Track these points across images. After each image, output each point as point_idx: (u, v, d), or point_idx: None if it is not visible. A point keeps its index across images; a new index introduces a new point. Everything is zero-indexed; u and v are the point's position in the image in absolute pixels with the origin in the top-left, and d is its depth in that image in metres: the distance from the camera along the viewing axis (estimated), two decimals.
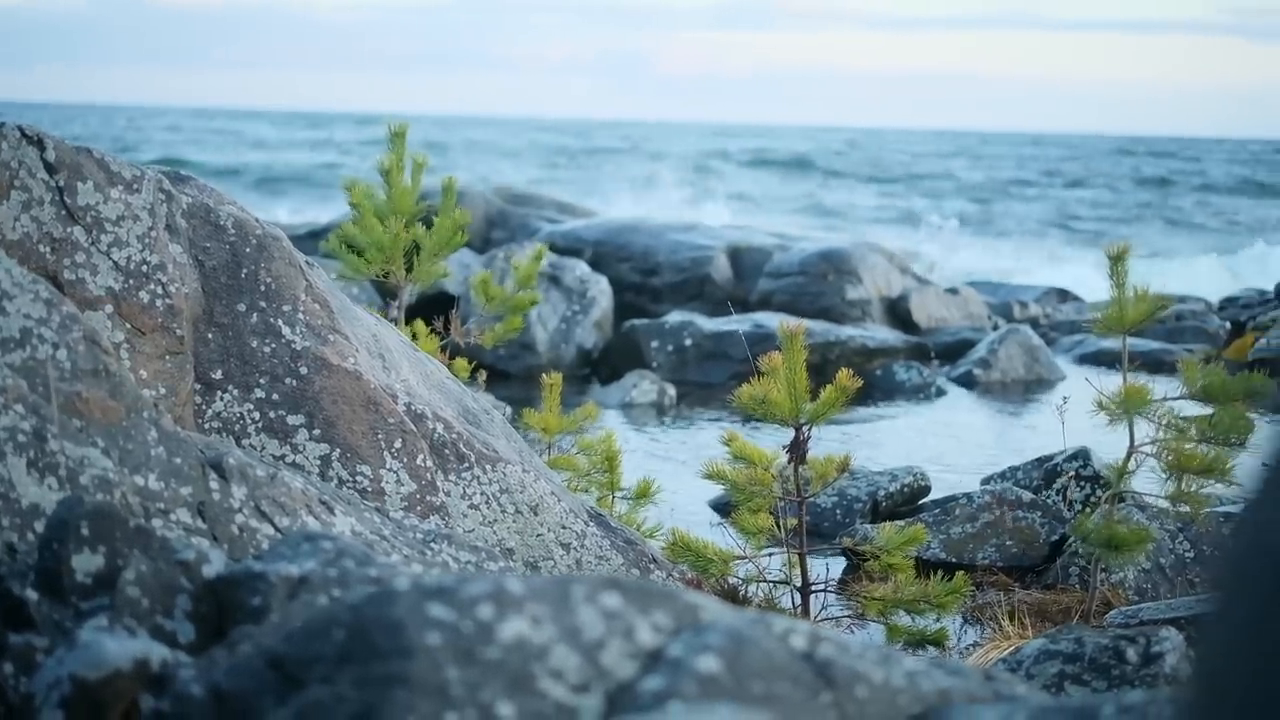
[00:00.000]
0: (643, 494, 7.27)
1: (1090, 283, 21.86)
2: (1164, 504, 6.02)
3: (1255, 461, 7.18)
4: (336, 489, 4.33)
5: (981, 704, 2.60)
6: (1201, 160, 76.29)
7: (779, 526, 6.36)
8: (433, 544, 4.18)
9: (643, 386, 13.90)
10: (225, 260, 4.82)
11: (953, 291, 18.69)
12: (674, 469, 10.48)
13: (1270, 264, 27.89)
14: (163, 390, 4.54)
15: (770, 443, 6.87)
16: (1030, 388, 15.10)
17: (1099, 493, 7.66)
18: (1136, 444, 6.01)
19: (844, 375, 5.87)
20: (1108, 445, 6.69)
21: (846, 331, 15.74)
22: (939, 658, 4.11)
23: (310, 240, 16.93)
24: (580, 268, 16.40)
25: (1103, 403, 5.78)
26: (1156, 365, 13.19)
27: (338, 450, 4.85)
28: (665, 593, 2.41)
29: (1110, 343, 15.61)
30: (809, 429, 6.10)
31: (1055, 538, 7.74)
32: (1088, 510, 7.30)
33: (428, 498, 4.96)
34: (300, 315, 4.88)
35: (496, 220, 20.29)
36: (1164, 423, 5.74)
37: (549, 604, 2.23)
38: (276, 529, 3.73)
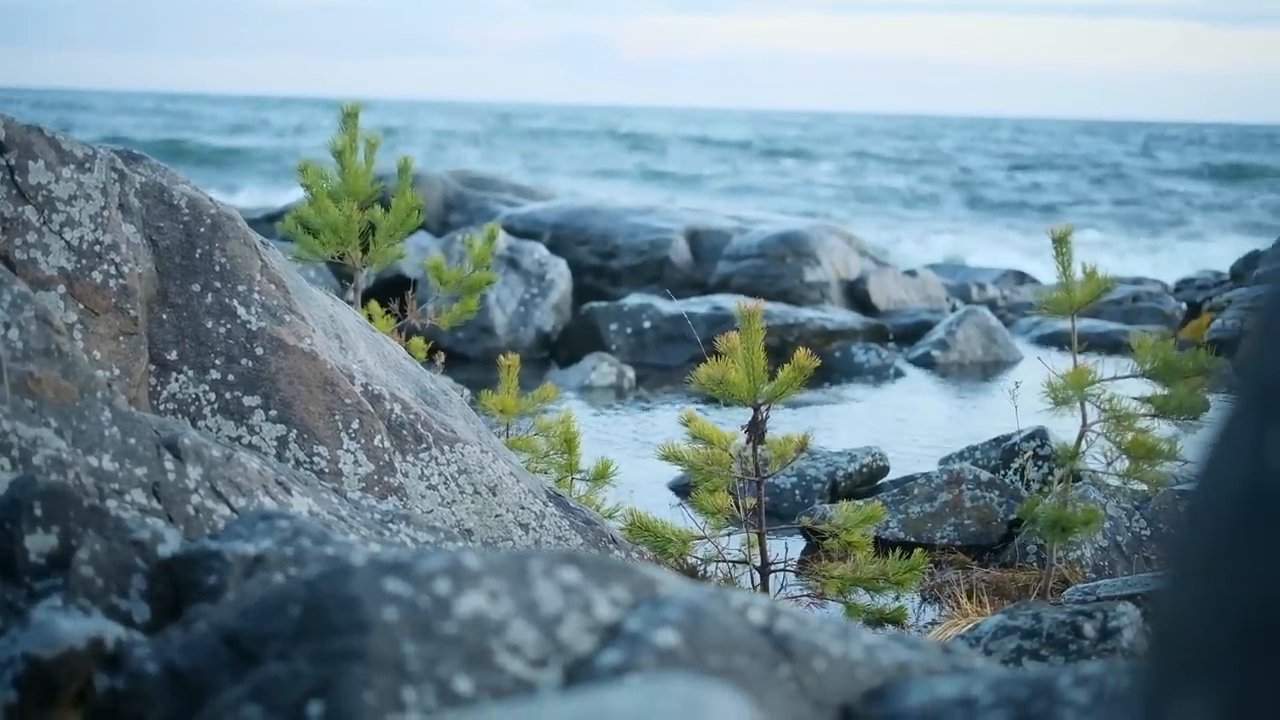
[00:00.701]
0: (601, 475, 7.26)
1: (1050, 265, 21.97)
2: (1118, 482, 6.05)
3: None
4: (293, 470, 4.31)
5: (939, 676, 2.60)
6: (1157, 144, 76.73)
7: (738, 506, 6.36)
8: (391, 524, 4.16)
9: (602, 369, 13.88)
10: (179, 240, 4.78)
11: (911, 274, 18.75)
12: (633, 451, 10.48)
13: (1227, 246, 28.09)
14: (116, 371, 4.50)
15: (730, 424, 6.88)
16: (988, 369, 15.17)
17: (1057, 472, 7.69)
18: (1088, 423, 6.04)
19: (801, 355, 5.88)
20: (1065, 425, 6.72)
21: (805, 313, 15.76)
22: (898, 633, 4.12)
23: (266, 224, 16.82)
24: (539, 251, 16.36)
25: (1052, 385, 5.80)
26: (1114, 347, 13.27)
27: (294, 431, 4.82)
28: (623, 567, 2.40)
29: (1068, 324, 15.70)
30: (767, 409, 6.11)
31: (1013, 517, 7.78)
32: (1044, 490, 7.33)
33: (385, 478, 4.94)
34: (256, 295, 4.85)
35: (454, 204, 20.22)
36: (1110, 404, 5.77)
37: (506, 579, 2.23)
38: (232, 509, 3.71)
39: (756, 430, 6.08)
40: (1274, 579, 0.62)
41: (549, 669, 2.19)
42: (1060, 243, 5.88)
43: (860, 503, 6.79)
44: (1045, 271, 22.08)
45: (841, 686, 2.48)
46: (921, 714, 2.39)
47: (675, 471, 8.53)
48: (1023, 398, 7.22)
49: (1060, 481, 6.15)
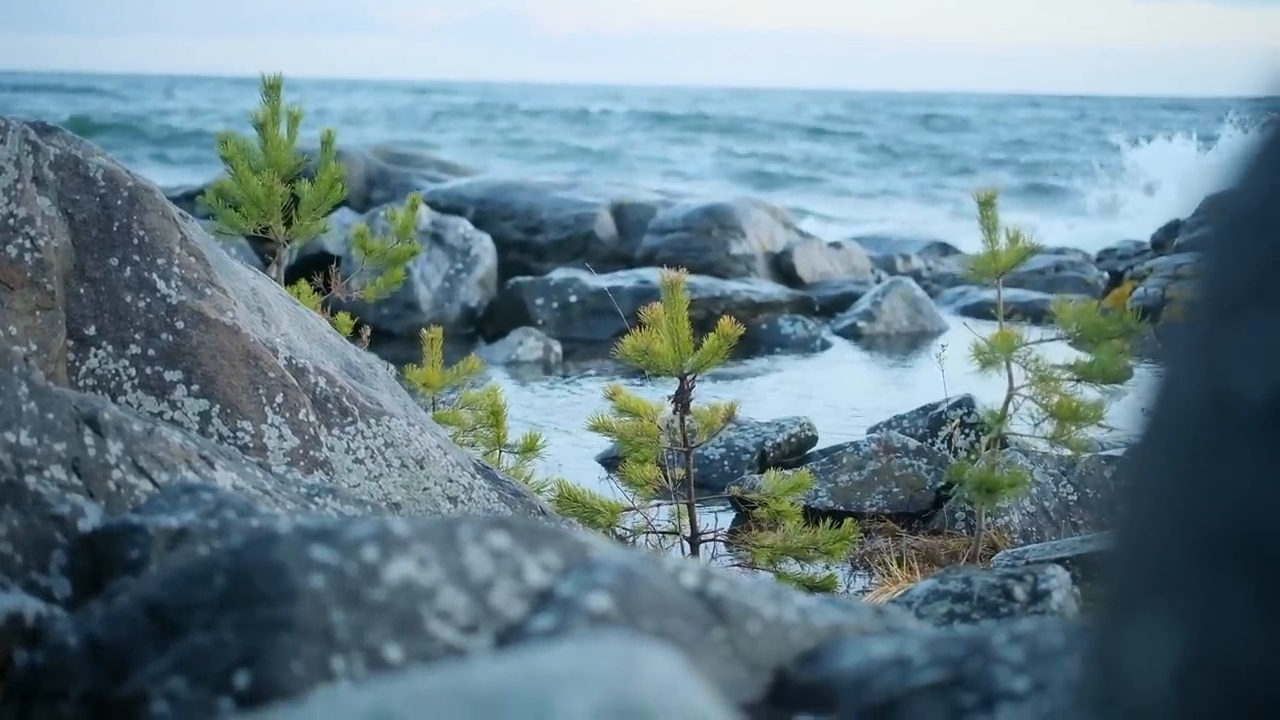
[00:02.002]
0: (529, 448, 7.22)
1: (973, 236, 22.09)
2: (1045, 445, 6.08)
3: (1137, 405, 7.29)
4: (217, 445, 4.24)
5: (873, 637, 2.59)
6: (1095, 116, 77.38)
7: (666, 478, 6.35)
8: (317, 498, 4.11)
9: (528, 344, 13.83)
10: (96, 213, 4.69)
11: (836, 246, 18.82)
12: (561, 424, 10.44)
13: (1150, 216, 28.35)
14: (33, 346, 4.41)
15: (658, 397, 6.86)
16: (914, 339, 15.25)
17: (984, 439, 7.74)
18: (1015, 388, 6.07)
19: (726, 323, 5.86)
20: (992, 393, 6.76)
21: (731, 286, 15.78)
22: (831, 596, 4.11)
23: (186, 203, 16.62)
24: (463, 226, 16.27)
25: (978, 347, 5.82)
26: (1038, 316, 13.36)
27: (217, 406, 4.75)
28: (554, 532, 2.37)
29: (991, 293, 15.81)
30: (693, 379, 6.09)
31: (941, 484, 7.82)
32: (972, 456, 7.37)
33: (311, 452, 4.88)
34: (175, 269, 4.77)
35: (377, 180, 20.08)
36: (1037, 367, 5.80)
37: (435, 545, 2.19)
38: (155, 485, 3.64)
39: (683, 400, 6.06)
40: (1233, 492, 0.60)
41: (480, 635, 2.15)
42: (985, 206, 5.89)
43: (789, 472, 6.79)
44: (969, 243, 22.23)
45: (775, 649, 2.46)
46: (856, 675, 2.38)
47: (604, 445, 8.51)
48: (948, 366, 7.25)
49: (988, 446, 6.18)
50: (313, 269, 9.20)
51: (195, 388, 4.72)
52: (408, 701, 1.32)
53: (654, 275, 14.79)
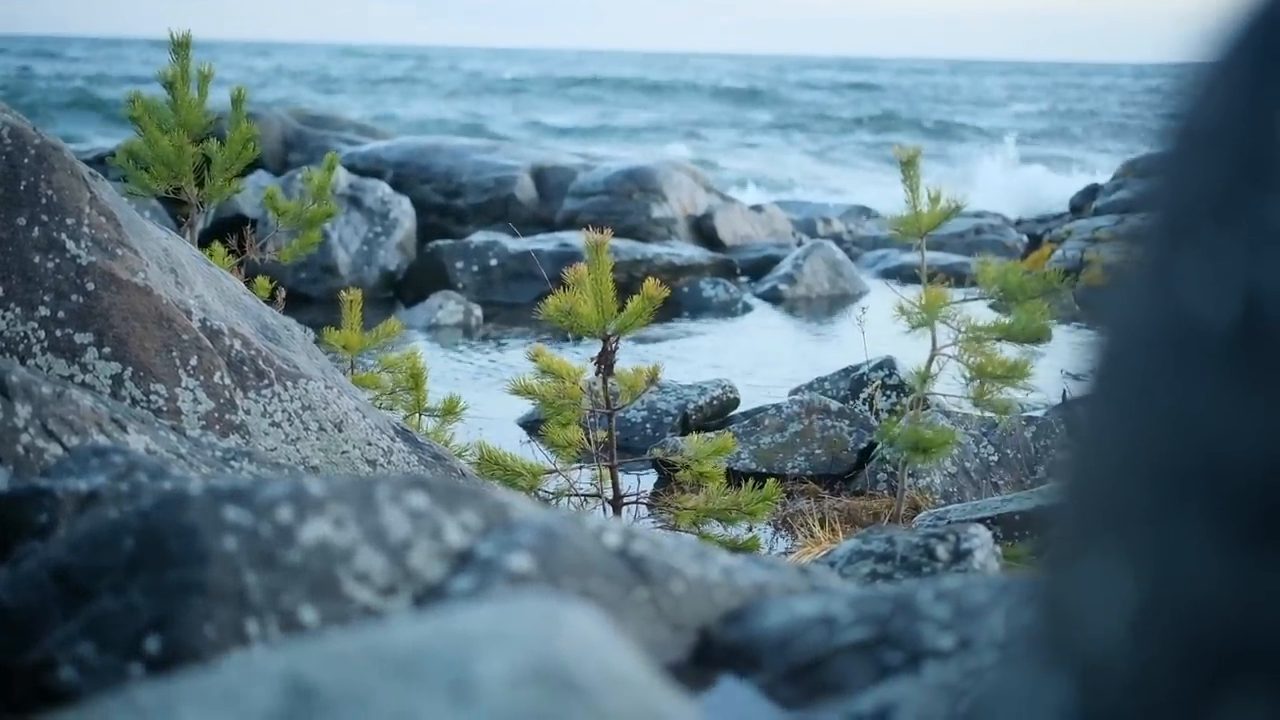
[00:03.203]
0: (450, 411, 7.16)
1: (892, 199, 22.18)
2: (967, 406, 6.10)
3: (1056, 367, 7.33)
4: (129, 408, 4.16)
5: (798, 596, 2.57)
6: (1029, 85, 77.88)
7: (588, 440, 6.31)
8: (233, 462, 4.04)
9: (448, 308, 13.73)
10: (2, 171, 4.57)
11: (757, 209, 18.81)
12: (482, 388, 10.38)
13: (1071, 180, 28.58)
14: None
15: (579, 361, 6.82)
16: (835, 302, 15.29)
17: (905, 401, 7.76)
18: (939, 347, 6.07)
19: (651, 284, 5.82)
20: (912, 355, 6.77)
21: (653, 249, 15.74)
22: (755, 556, 4.09)
23: (96, 167, 16.35)
24: (381, 189, 16.11)
25: (904, 307, 5.81)
26: (959, 278, 13.43)
27: (130, 369, 4.65)
28: (473, 491, 2.33)
29: (911, 256, 15.86)
30: (616, 340, 6.05)
31: (863, 445, 7.83)
32: (894, 417, 7.39)
33: (226, 416, 4.80)
34: (85, 229, 4.66)
35: (294, 143, 19.84)
36: (966, 327, 5.80)
37: (352, 505, 2.14)
38: (65, 448, 3.56)
39: (606, 362, 6.02)
40: (1193, 421, 0.57)
41: (398, 597, 2.11)
42: (908, 165, 5.88)
43: (711, 435, 6.77)
44: (890, 206, 22.29)
45: (699, 609, 2.43)
46: (781, 634, 2.35)
47: (525, 408, 8.46)
48: (870, 329, 7.26)
49: (912, 406, 6.18)
50: (229, 232, 9.07)
51: (107, 350, 4.62)
52: (323, 664, 1.28)
53: (575, 238, 14.74)
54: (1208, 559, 0.54)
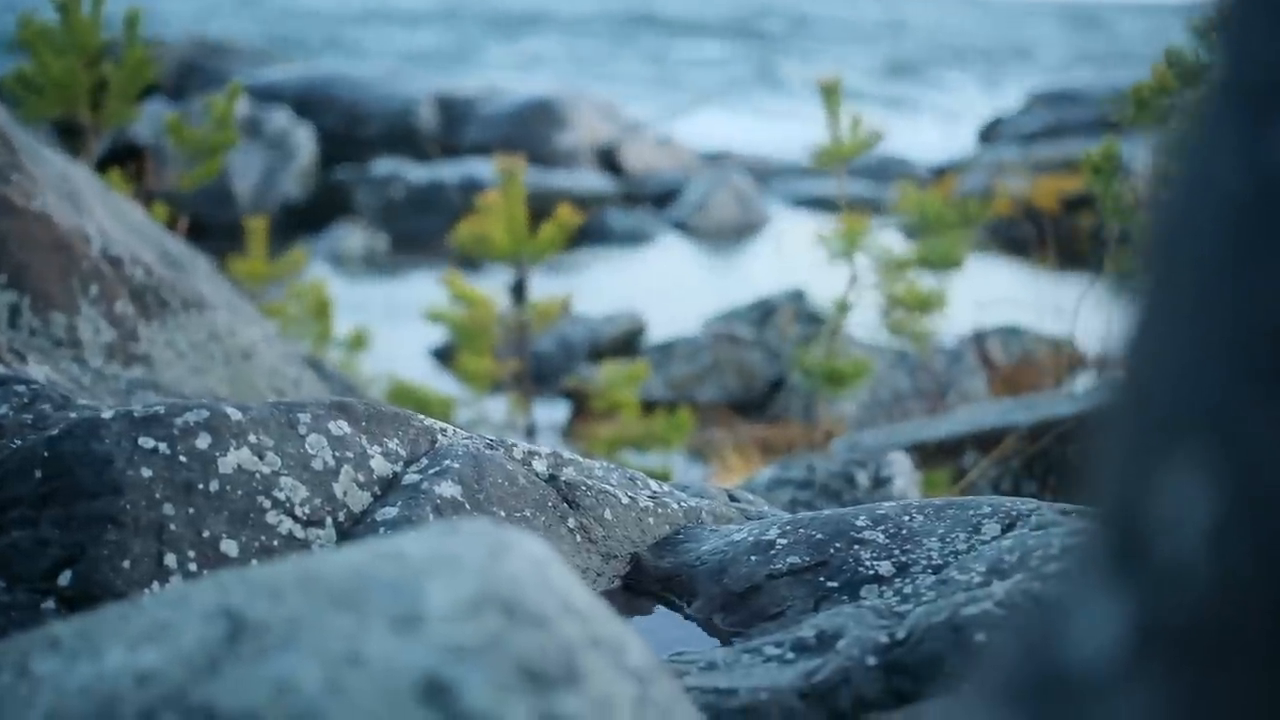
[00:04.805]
0: (358, 342, 7.04)
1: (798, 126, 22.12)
2: (880, 336, 6.08)
3: (967, 296, 7.33)
4: (29, 338, 4.02)
5: (731, 523, 2.52)
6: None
7: (501, 370, 6.23)
8: (138, 392, 3.92)
9: (352, 237, 13.54)
10: None
11: (664, 138, 18.70)
12: (389, 318, 10.24)
13: (975, 112, 28.72)
14: None
15: (488, 290, 6.73)
16: (742, 232, 15.25)
17: (817, 330, 7.74)
18: (855, 277, 6.04)
19: (565, 211, 5.75)
20: (821, 284, 6.73)
21: (558, 178, 15.61)
22: (683, 483, 4.06)
23: None
24: (281, 117, 15.82)
25: (824, 236, 5.77)
26: (868, 209, 13.44)
27: (28, 298, 4.49)
28: (398, 416, 2.25)
29: (817, 186, 15.86)
30: (528, 269, 5.97)
31: (775, 374, 7.82)
32: (807, 346, 7.37)
33: (129, 346, 4.66)
34: None
35: (190, 70, 19.43)
36: (884, 256, 5.77)
37: (273, 432, 2.05)
38: None
39: (521, 290, 5.94)
40: None
41: (323, 527, 2.03)
42: (829, 93, 5.80)
43: (625, 361, 6.72)
44: (796, 133, 22.24)
45: (630, 535, 2.38)
46: (716, 561, 2.30)
47: (435, 338, 8.36)
48: (779, 258, 7.22)
49: (832, 334, 6.15)
50: (122, 161, 8.83)
51: (3, 279, 4.46)
52: (256, 595, 1.20)
53: (480, 168, 14.57)
54: None
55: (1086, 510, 0.59)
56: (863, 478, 4.38)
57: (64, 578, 1.83)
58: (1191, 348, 0.53)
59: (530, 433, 6.14)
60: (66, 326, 4.55)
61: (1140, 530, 0.53)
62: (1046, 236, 8.71)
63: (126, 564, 1.82)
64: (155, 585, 1.82)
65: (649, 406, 6.71)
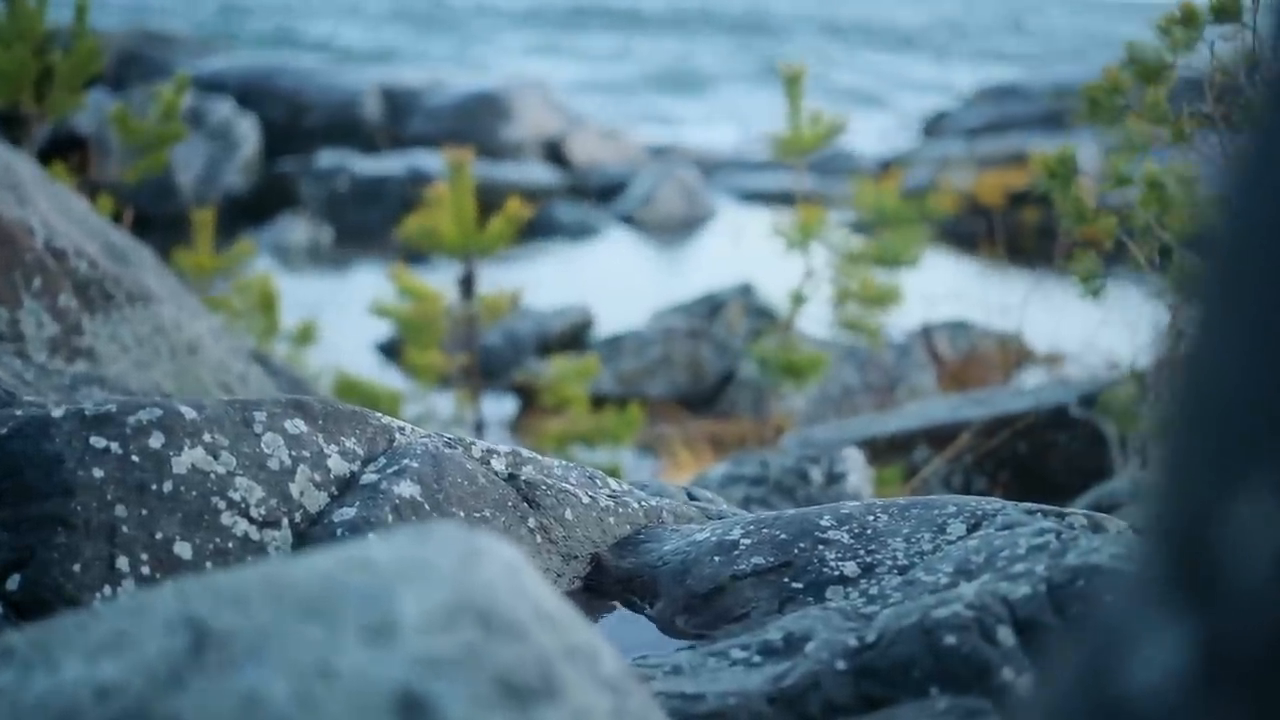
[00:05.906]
0: (305, 336, 6.96)
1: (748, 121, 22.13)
2: (835, 332, 6.07)
3: (918, 291, 7.33)
4: None
5: (693, 523, 2.49)
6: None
7: (449, 365, 6.18)
8: (82, 388, 3.85)
9: (297, 230, 13.43)
10: None
11: (610, 132, 18.66)
12: (335, 312, 10.14)
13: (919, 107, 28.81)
14: None
15: (434, 285, 6.67)
16: (690, 225, 15.21)
17: (764, 324, 7.72)
18: (810, 270, 6.02)
19: (515, 204, 5.70)
20: (769, 280, 6.71)
21: (504, 171, 15.53)
22: (642, 480, 4.02)
23: None
24: (225, 108, 15.66)
25: (780, 229, 5.74)
26: (815, 201, 13.45)
27: None
28: (356, 415, 2.20)
29: (764, 181, 15.85)
30: (477, 262, 5.91)
31: (725, 369, 7.79)
32: (757, 340, 7.35)
33: (73, 340, 4.58)
34: None
35: (131, 61, 19.21)
36: (842, 249, 5.75)
37: (228, 431, 2.00)
38: None
39: (469, 284, 5.88)
40: None
41: (279, 528, 1.98)
42: (792, 82, 5.76)
43: (574, 355, 6.68)
44: (746, 128, 22.26)
45: (591, 535, 2.34)
46: (679, 562, 2.26)
47: (381, 333, 8.29)
48: (727, 252, 7.19)
49: (785, 327, 6.13)
50: (64, 152, 8.70)
51: None
52: (220, 604, 1.15)
53: (426, 160, 14.47)
54: None
55: (1144, 531, 0.56)
56: (816, 474, 4.36)
57: (12, 582, 1.78)
58: (1266, 368, 0.50)
59: (479, 428, 6.10)
60: (9, 320, 4.46)
61: (1209, 556, 0.50)
62: (994, 232, 8.73)
63: (77, 568, 1.77)
64: (107, 589, 1.77)
65: (598, 401, 6.67)
